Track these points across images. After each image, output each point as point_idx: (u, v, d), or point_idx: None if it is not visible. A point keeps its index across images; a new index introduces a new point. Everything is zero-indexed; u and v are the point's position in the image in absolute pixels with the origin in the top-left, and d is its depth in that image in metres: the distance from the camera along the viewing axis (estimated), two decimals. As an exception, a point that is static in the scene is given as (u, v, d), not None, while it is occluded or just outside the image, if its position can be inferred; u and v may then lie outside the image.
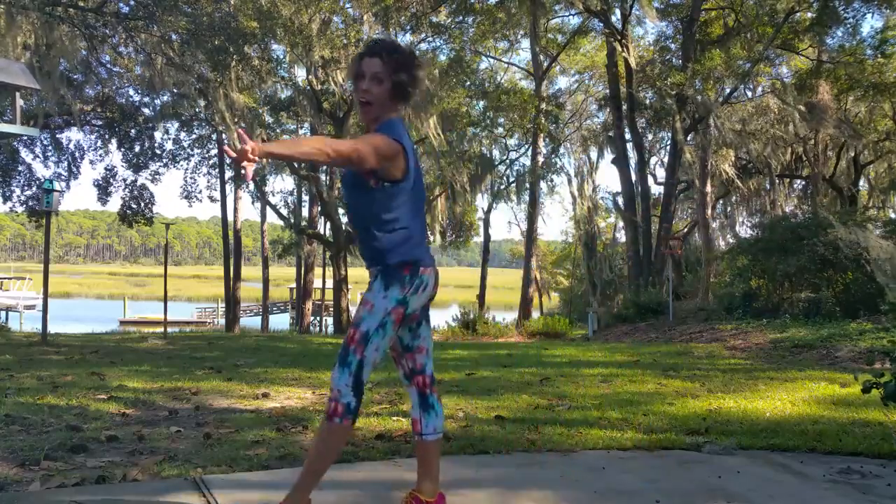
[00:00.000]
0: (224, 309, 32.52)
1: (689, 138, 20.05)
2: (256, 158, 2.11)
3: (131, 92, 22.16)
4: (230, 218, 27.90)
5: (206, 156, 26.22)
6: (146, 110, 22.17)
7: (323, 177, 25.00)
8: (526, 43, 44.07)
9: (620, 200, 22.36)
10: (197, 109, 22.41)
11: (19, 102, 10.00)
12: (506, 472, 3.33)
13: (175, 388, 5.76)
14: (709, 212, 20.24)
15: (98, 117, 22.00)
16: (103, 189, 23.13)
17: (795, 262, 12.12)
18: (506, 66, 30.15)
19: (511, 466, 3.46)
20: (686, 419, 4.60)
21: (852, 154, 23.35)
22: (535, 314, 29.69)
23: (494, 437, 4.03)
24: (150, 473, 3.22)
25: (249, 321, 39.68)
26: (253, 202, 47.90)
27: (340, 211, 24.79)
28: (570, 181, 29.82)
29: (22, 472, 3.22)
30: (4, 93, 9.41)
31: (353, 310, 32.06)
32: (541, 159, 26.22)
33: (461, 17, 22.57)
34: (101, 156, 23.20)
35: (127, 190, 23.21)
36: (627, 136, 21.27)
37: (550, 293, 44.28)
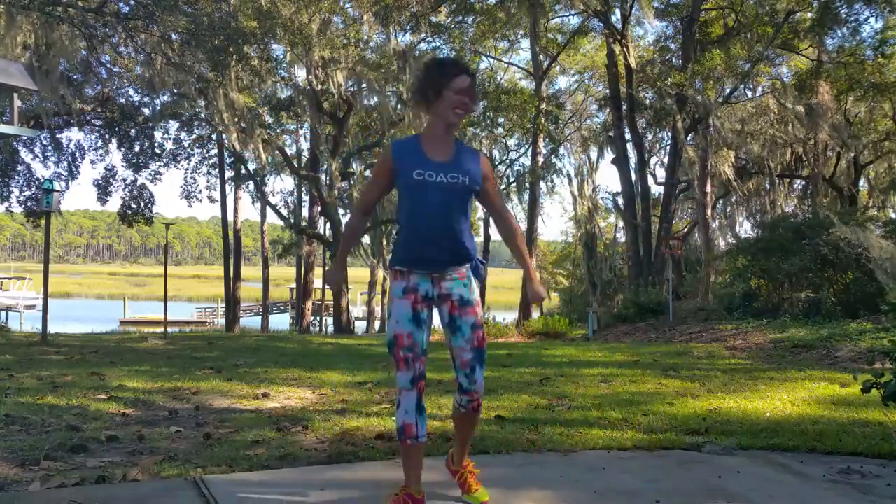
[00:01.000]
0: (224, 309, 32.52)
1: (689, 138, 20.05)
2: None
3: (131, 92, 22.16)
4: (230, 218, 27.90)
5: (206, 156, 26.25)
6: (146, 110, 22.15)
7: (323, 177, 25.02)
8: (526, 43, 44.12)
9: (620, 200, 22.37)
10: (197, 109, 22.41)
11: (17, 104, 9.99)
12: (506, 472, 3.33)
13: (175, 388, 5.76)
14: (709, 212, 20.23)
15: (98, 117, 21.98)
16: (103, 189, 23.11)
17: (796, 262, 12.12)
18: (506, 66, 30.14)
19: (511, 466, 3.46)
20: (686, 419, 4.59)
21: (852, 154, 23.33)
22: (535, 314, 29.68)
23: (494, 437, 4.02)
24: (150, 473, 3.22)
25: (249, 321, 39.68)
26: (253, 202, 47.98)
27: (340, 211, 24.80)
28: (570, 181, 29.85)
29: (22, 472, 3.22)
30: (3, 93, 9.40)
31: (353, 310, 32.03)
32: (541, 159, 26.20)
33: (461, 17, 22.58)
34: (101, 156, 23.18)
35: (127, 190, 23.20)
36: (627, 136, 21.27)
37: (550, 293, 44.28)
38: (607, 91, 22.88)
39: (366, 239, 28.17)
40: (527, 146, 27.28)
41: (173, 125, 23.88)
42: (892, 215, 23.27)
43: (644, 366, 7.76)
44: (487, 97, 22.77)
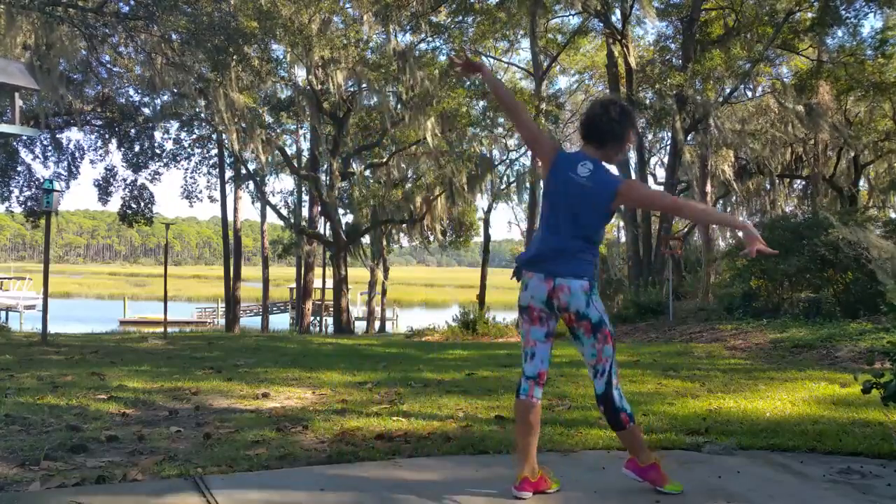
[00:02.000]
0: (224, 309, 32.52)
1: (689, 138, 20.04)
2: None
3: (131, 92, 22.17)
4: (230, 218, 27.90)
5: (206, 156, 26.26)
6: (146, 110, 22.17)
7: (323, 177, 25.03)
8: (526, 43, 44.08)
9: (620, 200, 22.27)
10: (197, 109, 22.41)
11: (18, 103, 9.98)
12: (506, 472, 3.33)
13: (175, 388, 5.76)
14: (709, 212, 20.18)
15: (98, 117, 21.99)
16: (103, 189, 23.13)
17: (796, 262, 12.11)
18: (506, 66, 30.15)
19: (511, 466, 3.45)
20: (686, 419, 4.59)
21: (852, 154, 23.33)
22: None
23: (494, 437, 4.03)
24: (150, 473, 3.22)
25: (249, 321, 39.67)
26: (253, 202, 47.94)
27: (340, 211, 24.80)
28: (570, 181, 29.74)
29: (22, 472, 3.22)
30: (3, 93, 9.39)
31: (353, 310, 31.99)
32: (541, 159, 26.17)
33: (461, 17, 22.57)
34: (101, 156, 23.21)
35: (127, 190, 23.23)
36: (627, 136, 21.21)
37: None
38: (607, 91, 22.87)
39: (366, 239, 28.19)
40: (527, 146, 27.26)
41: (173, 125, 23.92)
42: (892, 215, 23.29)
43: (644, 366, 7.76)
44: (488, 97, 22.77)
